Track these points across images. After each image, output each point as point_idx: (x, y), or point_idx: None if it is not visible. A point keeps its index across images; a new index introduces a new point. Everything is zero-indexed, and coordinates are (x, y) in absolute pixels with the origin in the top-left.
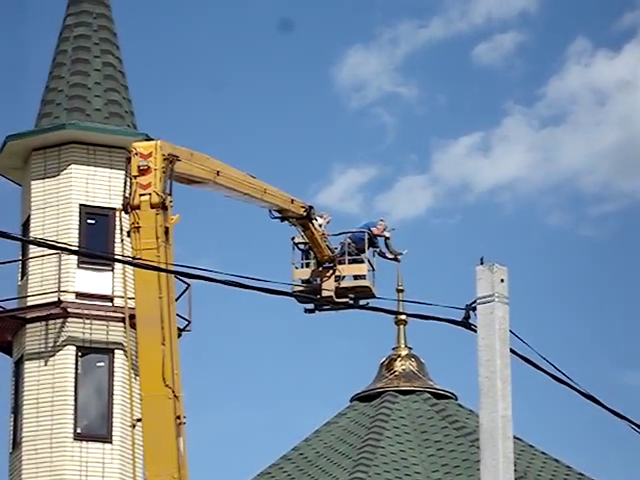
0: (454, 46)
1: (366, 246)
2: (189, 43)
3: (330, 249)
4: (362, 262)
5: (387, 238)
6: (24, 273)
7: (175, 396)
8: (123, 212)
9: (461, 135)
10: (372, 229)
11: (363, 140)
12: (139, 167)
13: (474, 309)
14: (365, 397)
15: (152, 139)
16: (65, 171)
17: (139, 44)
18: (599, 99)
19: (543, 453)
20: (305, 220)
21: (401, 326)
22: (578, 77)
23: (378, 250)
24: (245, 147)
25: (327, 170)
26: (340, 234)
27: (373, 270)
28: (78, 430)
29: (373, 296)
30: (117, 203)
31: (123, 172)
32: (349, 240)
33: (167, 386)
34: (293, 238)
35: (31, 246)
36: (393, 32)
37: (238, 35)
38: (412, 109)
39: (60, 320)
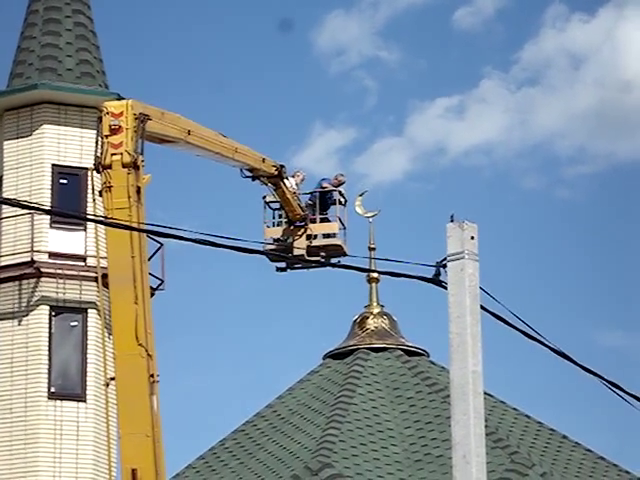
0: (435, 10)
1: (317, 204)
2: (163, 4)
3: (301, 208)
4: (333, 220)
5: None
6: None
7: (148, 355)
8: (95, 172)
9: (438, 98)
10: (324, 184)
11: (344, 104)
12: (111, 126)
13: (444, 266)
14: (338, 354)
15: (123, 98)
16: (37, 131)
17: (108, 5)
18: (573, 63)
19: (514, 409)
20: (276, 179)
21: (373, 284)
22: (553, 41)
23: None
24: (225, 111)
25: (307, 133)
26: (312, 193)
27: (344, 228)
28: (52, 389)
29: (345, 254)
30: (89, 163)
31: (95, 132)
32: (309, 201)
33: (140, 345)
34: (264, 197)
35: (4, 206)
36: None
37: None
38: (393, 73)
39: (33, 280)
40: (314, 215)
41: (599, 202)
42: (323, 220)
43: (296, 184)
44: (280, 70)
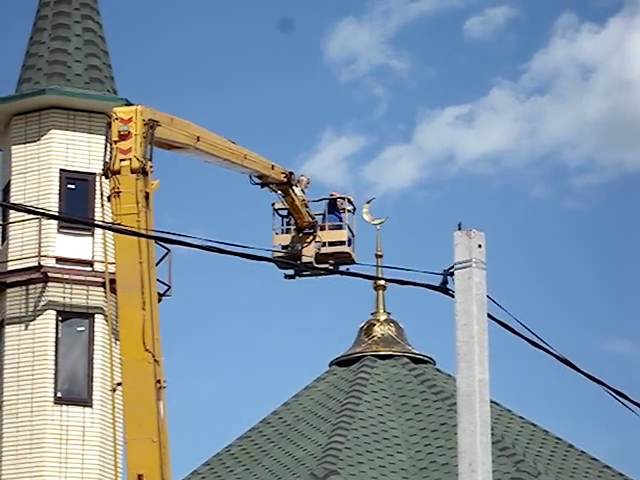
0: (445, 19)
1: (326, 211)
2: (170, 7)
3: (310, 215)
4: (342, 228)
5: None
6: (4, 238)
7: (155, 360)
8: (103, 177)
9: (448, 106)
10: (332, 193)
11: (353, 111)
12: (120, 132)
13: (452, 274)
14: (344, 362)
15: (132, 104)
16: (45, 136)
17: (118, 11)
18: (582, 73)
19: (520, 417)
20: (285, 186)
21: (380, 291)
22: (562, 51)
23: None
24: (234, 118)
25: (316, 140)
26: (321, 200)
27: (353, 236)
28: (58, 394)
29: (353, 262)
30: (97, 168)
31: (103, 137)
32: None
33: (147, 350)
34: (273, 204)
35: (12, 211)
36: (385, 5)
37: (227, 3)
38: (403, 81)
39: (40, 285)
40: (323, 222)
41: (607, 212)
42: (332, 228)
43: (301, 190)
44: (291, 77)
